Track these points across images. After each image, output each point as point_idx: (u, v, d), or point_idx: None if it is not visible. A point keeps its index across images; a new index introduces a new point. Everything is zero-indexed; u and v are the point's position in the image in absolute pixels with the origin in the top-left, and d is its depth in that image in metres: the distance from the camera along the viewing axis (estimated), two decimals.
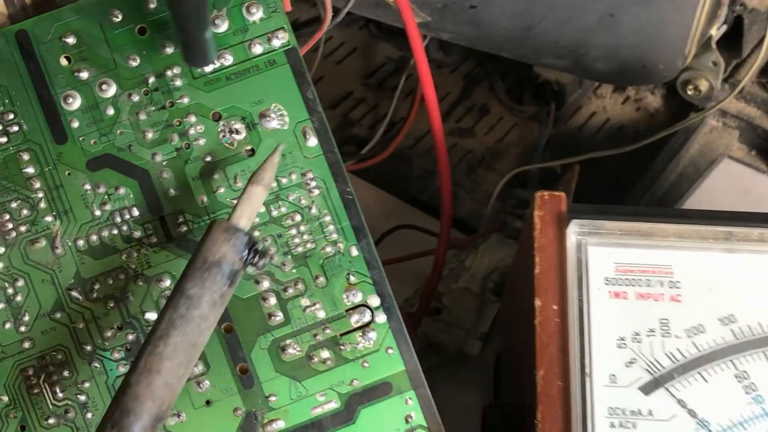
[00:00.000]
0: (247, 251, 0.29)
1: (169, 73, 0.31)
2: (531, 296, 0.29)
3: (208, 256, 0.29)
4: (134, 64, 0.31)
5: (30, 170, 0.31)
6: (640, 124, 0.51)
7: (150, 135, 0.31)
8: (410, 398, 0.31)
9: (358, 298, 0.31)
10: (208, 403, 0.31)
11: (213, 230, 0.29)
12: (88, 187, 0.31)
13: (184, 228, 0.31)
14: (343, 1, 0.37)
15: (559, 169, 0.47)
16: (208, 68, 0.31)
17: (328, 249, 0.31)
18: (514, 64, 0.50)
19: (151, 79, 0.31)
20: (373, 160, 0.49)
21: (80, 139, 0.31)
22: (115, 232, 0.31)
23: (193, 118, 0.31)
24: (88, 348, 0.31)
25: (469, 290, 0.41)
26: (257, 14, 0.31)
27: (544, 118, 0.50)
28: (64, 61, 0.31)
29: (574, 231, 0.30)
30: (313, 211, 0.31)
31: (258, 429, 0.31)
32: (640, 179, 0.45)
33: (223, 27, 0.31)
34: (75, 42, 0.31)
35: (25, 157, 0.31)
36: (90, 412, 0.31)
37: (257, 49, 0.31)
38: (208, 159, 0.31)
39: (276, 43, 0.31)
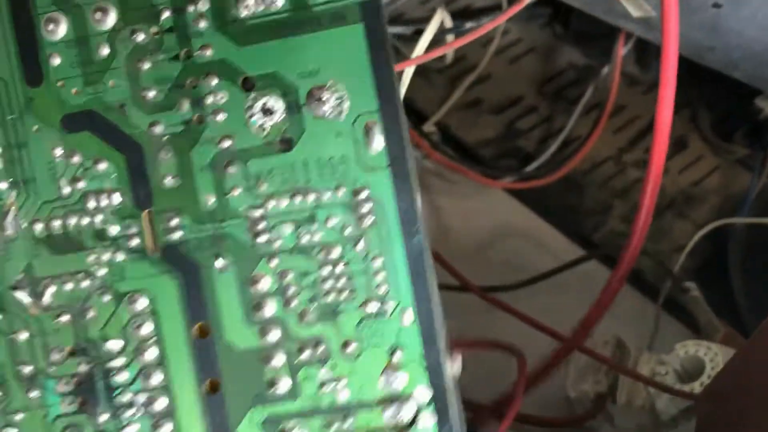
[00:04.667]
0: None
1: (191, 9, 0.24)
2: None
3: None
4: None
5: None
6: None
7: (152, 94, 0.25)
8: None
9: (400, 385, 0.25)
10: None
11: None
12: (59, 152, 0.25)
13: (177, 235, 0.25)
14: None
15: None
16: (246, 11, 0.25)
17: (371, 307, 0.25)
18: (726, 92, 0.46)
19: (166, 14, 0.24)
20: (537, 181, 0.44)
21: (59, 83, 0.25)
22: (86, 222, 0.25)
23: (214, 81, 0.24)
24: (28, 370, 0.26)
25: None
26: None
27: (758, 166, 0.45)
28: None
29: None
30: (360, 247, 0.24)
31: None
32: None
33: None
34: None
35: None
36: None
37: None
38: (227, 144, 0.25)
39: None
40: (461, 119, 0.51)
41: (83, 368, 0.25)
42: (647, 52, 0.50)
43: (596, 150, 0.48)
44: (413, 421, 0.24)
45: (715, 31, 0.39)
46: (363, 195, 0.24)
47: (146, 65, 0.24)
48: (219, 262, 0.24)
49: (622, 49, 0.47)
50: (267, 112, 0.24)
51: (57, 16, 0.24)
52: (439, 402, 0.24)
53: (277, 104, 0.24)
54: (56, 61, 0.25)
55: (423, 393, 0.24)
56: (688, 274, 0.42)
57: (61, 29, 0.25)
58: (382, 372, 0.24)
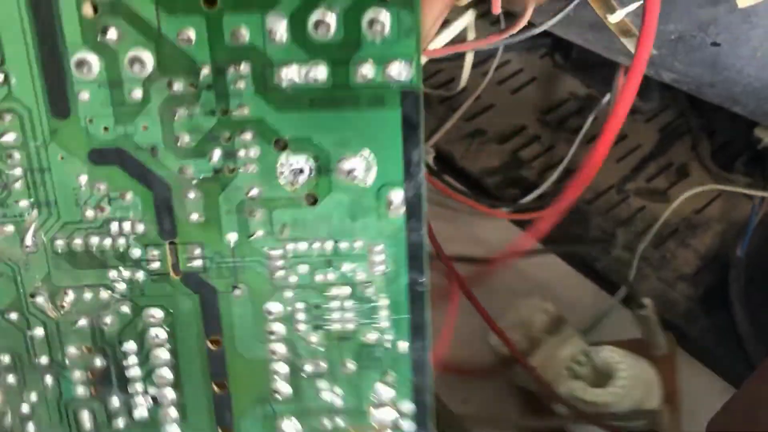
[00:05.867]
0: None
1: (232, 70, 0.25)
2: None
3: None
4: (187, 44, 0.25)
5: (10, 138, 0.26)
6: None
7: (184, 141, 0.26)
8: None
9: (388, 396, 0.29)
10: None
11: None
12: (84, 180, 0.26)
13: (198, 264, 0.27)
14: (542, 15, 0.31)
15: None
16: (287, 81, 0.25)
17: (371, 336, 0.28)
18: (726, 120, 0.47)
19: (205, 71, 0.25)
20: (540, 212, 0.45)
21: (87, 120, 0.26)
22: (108, 243, 0.27)
23: (248, 136, 0.26)
24: (44, 361, 0.28)
25: None
26: (381, 28, 0.25)
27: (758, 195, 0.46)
28: (88, 11, 0.25)
29: None
30: (369, 291, 0.28)
31: None
32: None
33: (329, 32, 0.24)
34: None
35: (8, 117, 0.26)
36: (32, 422, 0.29)
37: (365, 73, 0.25)
38: (254, 193, 0.27)
39: (393, 72, 0.25)
40: (466, 149, 0.52)
41: (99, 363, 0.28)
42: (647, 82, 0.50)
43: (599, 179, 0.49)
44: (396, 427, 0.29)
45: (714, 68, 0.39)
46: (378, 249, 0.27)
47: (180, 113, 0.25)
48: (237, 291, 0.27)
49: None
50: (297, 171, 0.26)
51: (90, 56, 0.24)
52: (420, 415, 0.29)
53: (308, 165, 0.26)
54: (85, 97, 0.25)
55: (407, 406, 0.29)
56: (691, 302, 0.45)
57: (93, 71, 0.25)
58: (375, 386, 0.29)
